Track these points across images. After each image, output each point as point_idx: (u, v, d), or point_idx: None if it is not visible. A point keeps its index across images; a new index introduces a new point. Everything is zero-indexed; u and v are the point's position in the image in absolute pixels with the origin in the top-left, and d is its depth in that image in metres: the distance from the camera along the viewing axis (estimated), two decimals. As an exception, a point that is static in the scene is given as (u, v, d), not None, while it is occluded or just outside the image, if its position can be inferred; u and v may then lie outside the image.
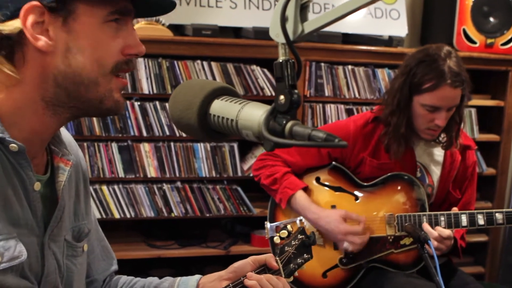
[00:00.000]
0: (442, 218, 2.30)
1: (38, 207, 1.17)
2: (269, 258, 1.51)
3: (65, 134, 1.32)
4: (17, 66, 1.08)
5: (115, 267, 1.55)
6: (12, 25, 1.05)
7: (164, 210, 3.10)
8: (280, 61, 0.91)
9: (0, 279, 1.09)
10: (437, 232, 2.22)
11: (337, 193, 2.44)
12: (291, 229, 1.63)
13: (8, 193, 1.11)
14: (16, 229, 1.12)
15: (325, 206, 2.41)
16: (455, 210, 2.32)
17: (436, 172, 2.45)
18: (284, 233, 1.61)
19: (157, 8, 1.23)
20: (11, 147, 1.09)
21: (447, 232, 2.23)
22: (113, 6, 1.10)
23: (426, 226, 2.25)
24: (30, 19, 1.05)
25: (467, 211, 2.31)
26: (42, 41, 1.06)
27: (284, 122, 0.88)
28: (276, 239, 1.60)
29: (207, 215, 3.17)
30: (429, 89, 2.23)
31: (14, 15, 1.05)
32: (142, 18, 1.18)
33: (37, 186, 1.16)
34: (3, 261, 1.08)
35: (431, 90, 2.22)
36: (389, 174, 2.39)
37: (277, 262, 1.53)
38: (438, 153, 2.46)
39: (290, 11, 0.90)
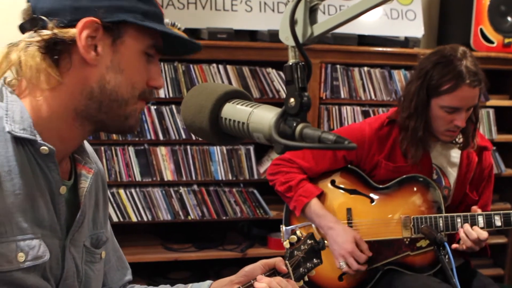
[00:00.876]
0: (459, 220, 2.28)
1: (62, 211, 1.21)
2: (279, 262, 1.54)
3: (87, 144, 1.38)
4: (61, 71, 1.15)
5: (129, 277, 1.58)
6: (67, 32, 1.13)
7: (180, 213, 3.11)
8: (290, 64, 0.91)
9: (23, 277, 1.13)
10: (476, 234, 2.21)
11: (352, 195, 2.43)
12: (301, 235, 1.65)
13: (36, 195, 1.15)
14: (41, 230, 1.16)
15: (340, 209, 2.40)
16: (475, 210, 2.30)
17: (452, 174, 2.43)
18: (293, 238, 1.64)
19: (183, 50, 1.32)
20: (42, 150, 1.15)
21: (485, 234, 2.21)
22: (154, 40, 1.21)
23: (466, 227, 2.23)
24: (86, 31, 1.13)
25: (484, 212, 2.29)
26: (91, 54, 1.14)
27: (294, 124, 0.89)
28: (286, 244, 1.63)
29: (224, 218, 3.18)
30: (448, 90, 2.21)
31: (70, 25, 1.13)
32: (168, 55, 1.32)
33: (63, 189, 1.20)
34: (27, 259, 1.13)
35: (451, 92, 2.21)
36: (404, 176, 2.37)
37: (286, 266, 1.55)
38: (454, 154, 2.44)
39: (299, 14, 0.91)
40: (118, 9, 1.15)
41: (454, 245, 2.26)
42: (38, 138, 1.14)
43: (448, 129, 2.28)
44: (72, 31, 1.12)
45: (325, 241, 2.29)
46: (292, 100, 0.90)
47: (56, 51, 1.13)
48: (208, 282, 1.53)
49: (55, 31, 1.12)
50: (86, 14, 1.12)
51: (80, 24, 1.12)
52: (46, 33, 1.12)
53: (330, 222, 2.34)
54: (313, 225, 2.23)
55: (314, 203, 2.37)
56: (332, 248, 2.33)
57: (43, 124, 1.16)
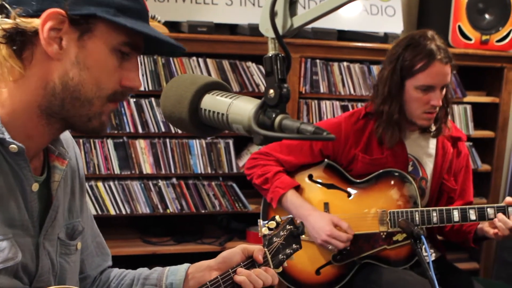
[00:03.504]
0: (435, 214, 2.31)
1: (34, 208, 1.18)
2: (257, 252, 1.52)
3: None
4: (24, 64, 1.10)
5: (109, 263, 1.56)
6: (30, 23, 1.08)
7: (159, 206, 3.11)
8: (270, 55, 0.92)
9: None
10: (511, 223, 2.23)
11: (330, 190, 2.44)
12: (280, 220, 1.63)
13: (5, 194, 1.12)
14: (12, 230, 1.13)
15: (318, 203, 2.41)
16: (509, 201, 2.29)
17: (429, 164, 2.46)
18: (272, 224, 1.62)
19: (167, 51, 1.26)
20: (11, 148, 1.11)
21: None
22: (128, 37, 1.14)
23: (501, 216, 2.23)
24: (50, 23, 1.07)
25: (459, 207, 2.32)
26: (53, 47, 1.09)
27: (274, 116, 0.90)
28: (265, 230, 1.61)
29: (203, 211, 3.18)
30: (421, 68, 2.26)
31: (35, 15, 1.08)
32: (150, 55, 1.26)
33: (35, 187, 1.17)
34: None
35: (424, 69, 2.26)
36: (381, 170, 2.39)
37: (265, 253, 1.54)
38: (431, 145, 2.47)
39: (280, 6, 0.91)
40: (88, 2, 1.09)
41: (494, 231, 2.26)
42: (7, 136, 1.11)
43: (424, 111, 2.31)
44: (36, 22, 1.07)
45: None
46: (271, 91, 0.91)
47: (17, 42, 1.08)
48: (186, 265, 1.51)
49: (18, 20, 1.07)
50: (53, 5, 1.07)
51: (44, 15, 1.07)
52: (7, 22, 1.07)
53: (307, 211, 2.35)
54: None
55: (291, 193, 2.38)
56: (313, 236, 2.34)
57: (9, 121, 1.12)
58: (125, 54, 1.15)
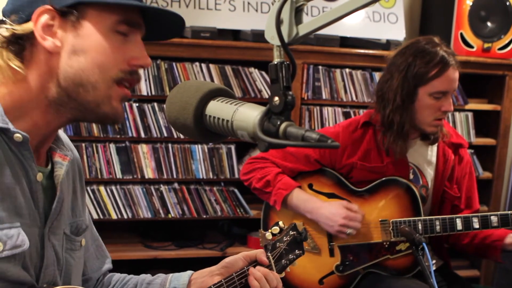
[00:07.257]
0: (437, 223, 2.29)
1: (40, 198, 1.20)
2: (260, 254, 1.54)
3: (62, 134, 1.37)
4: (24, 63, 1.15)
5: (109, 265, 1.58)
6: (25, 27, 1.13)
7: (161, 211, 3.11)
8: (275, 63, 0.92)
9: (3, 267, 1.12)
10: None
11: (330, 199, 2.40)
12: (283, 226, 1.64)
13: (12, 183, 1.14)
14: (19, 219, 1.15)
15: None
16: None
17: (430, 172, 2.44)
18: (275, 229, 1.63)
19: (166, 29, 1.29)
20: (16, 137, 1.14)
21: None
22: (121, 16, 1.16)
23: None
24: (41, 20, 1.13)
25: (462, 215, 2.31)
26: (49, 42, 1.13)
27: (279, 123, 0.90)
28: (268, 235, 1.62)
29: (204, 216, 3.18)
30: (436, 75, 2.25)
31: (29, 18, 1.14)
32: (153, 41, 1.28)
33: (40, 176, 1.19)
34: (5, 249, 1.11)
35: (439, 76, 2.25)
36: (383, 179, 2.36)
37: (268, 258, 1.55)
38: (431, 153, 2.45)
39: (285, 14, 0.92)
40: None
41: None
42: (11, 126, 1.13)
43: (436, 117, 2.30)
44: (30, 24, 1.13)
45: (308, 232, 2.28)
46: (276, 98, 0.91)
47: (16, 45, 1.14)
48: (189, 272, 1.53)
49: (15, 27, 1.13)
50: (40, 4, 1.13)
51: (34, 15, 1.13)
52: (5, 30, 1.13)
53: (316, 203, 2.33)
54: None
55: (297, 191, 2.36)
56: (329, 225, 2.31)
57: (14, 112, 1.16)
58: (124, 34, 1.17)
